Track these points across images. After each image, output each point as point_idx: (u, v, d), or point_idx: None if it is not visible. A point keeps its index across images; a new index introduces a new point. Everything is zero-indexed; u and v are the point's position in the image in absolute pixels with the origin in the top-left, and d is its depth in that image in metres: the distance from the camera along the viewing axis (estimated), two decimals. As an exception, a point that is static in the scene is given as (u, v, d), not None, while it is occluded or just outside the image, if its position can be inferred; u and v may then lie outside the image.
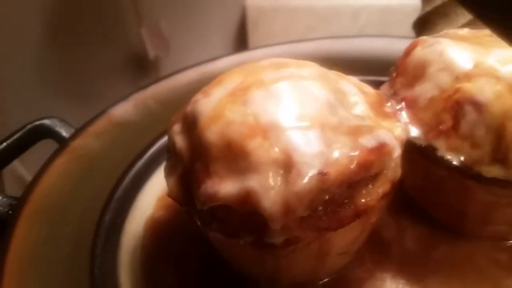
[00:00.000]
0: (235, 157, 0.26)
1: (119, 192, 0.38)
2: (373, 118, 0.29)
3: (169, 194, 0.30)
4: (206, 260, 0.34)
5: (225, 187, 0.26)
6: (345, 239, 0.29)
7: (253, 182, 0.26)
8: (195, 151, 0.28)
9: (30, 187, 0.36)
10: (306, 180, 0.25)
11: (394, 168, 0.28)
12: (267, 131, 0.26)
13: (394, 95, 0.32)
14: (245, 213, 0.26)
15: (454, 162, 0.29)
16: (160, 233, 0.36)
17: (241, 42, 0.98)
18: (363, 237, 0.31)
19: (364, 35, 0.54)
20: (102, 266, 0.32)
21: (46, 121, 0.44)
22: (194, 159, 0.28)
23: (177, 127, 0.31)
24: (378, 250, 0.33)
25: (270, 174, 0.25)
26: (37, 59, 0.90)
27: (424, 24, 0.51)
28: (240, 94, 0.29)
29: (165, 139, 0.42)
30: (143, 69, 0.97)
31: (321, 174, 0.25)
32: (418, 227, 0.34)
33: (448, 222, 0.34)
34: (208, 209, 0.27)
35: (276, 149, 0.26)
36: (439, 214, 0.34)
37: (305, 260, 0.30)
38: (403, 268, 0.32)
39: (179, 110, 0.34)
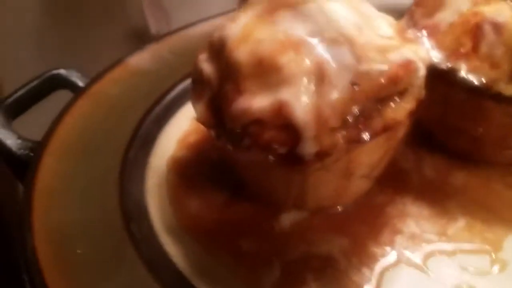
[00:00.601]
0: (267, 72, 0.27)
1: (141, 132, 0.38)
2: (398, 39, 0.30)
3: (199, 119, 0.31)
4: (230, 191, 0.35)
5: (258, 101, 0.27)
6: (370, 158, 0.30)
7: (286, 94, 0.26)
8: (223, 73, 0.29)
9: (53, 125, 0.36)
10: (338, 90, 0.26)
11: (419, 86, 0.29)
12: (298, 45, 0.27)
13: (415, 26, 0.33)
14: (277, 126, 0.27)
15: (475, 82, 0.30)
16: (183, 169, 0.37)
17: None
18: (385, 160, 0.32)
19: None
20: (131, 196, 0.33)
21: (63, 71, 0.44)
22: (223, 82, 0.29)
23: (203, 56, 0.32)
24: (397, 178, 0.34)
25: (303, 85, 0.26)
26: (36, 35, 0.90)
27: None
28: (267, 16, 0.30)
29: (181, 86, 0.43)
30: (143, 43, 0.97)
31: (353, 85, 0.26)
32: (435, 156, 0.35)
33: (465, 149, 0.35)
34: (240, 126, 0.28)
35: (308, 62, 0.27)
36: (457, 142, 0.35)
37: (331, 180, 0.31)
38: (423, 193, 0.33)
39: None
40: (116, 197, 0.32)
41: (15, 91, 0.41)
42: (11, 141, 0.38)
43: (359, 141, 0.27)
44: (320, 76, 0.26)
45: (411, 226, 0.31)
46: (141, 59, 0.44)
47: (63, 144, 0.35)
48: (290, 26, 0.28)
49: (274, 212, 0.33)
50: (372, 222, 0.32)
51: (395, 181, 0.34)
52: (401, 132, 0.29)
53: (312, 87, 0.26)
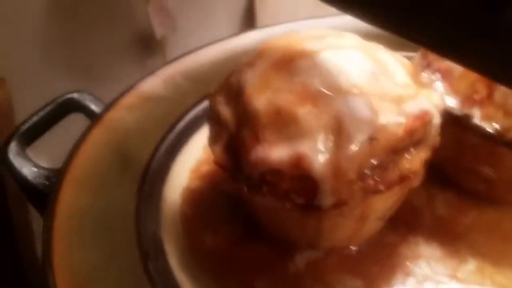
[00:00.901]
0: (285, 123, 0.28)
1: (155, 163, 0.39)
2: (413, 86, 0.30)
3: (216, 162, 0.31)
4: (245, 226, 0.35)
5: (276, 152, 0.27)
6: (386, 204, 0.31)
7: (304, 147, 0.27)
8: (241, 119, 0.30)
9: (70, 156, 0.37)
10: (356, 144, 0.27)
11: (434, 135, 0.29)
12: (315, 98, 0.28)
13: (428, 66, 0.33)
14: (295, 177, 0.27)
15: (489, 130, 0.31)
16: (197, 202, 0.37)
17: (248, 20, 0.98)
18: (400, 202, 0.32)
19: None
20: (148, 232, 0.33)
21: (75, 95, 0.45)
22: (241, 127, 0.30)
23: (220, 98, 0.32)
24: (409, 216, 0.35)
25: (321, 139, 0.27)
26: (41, 37, 0.90)
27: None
28: (285, 64, 0.30)
29: (193, 113, 0.44)
30: (149, 48, 0.97)
31: (371, 140, 0.27)
32: (447, 194, 0.36)
33: (476, 189, 0.35)
34: (258, 174, 0.28)
35: (326, 115, 0.27)
36: (469, 182, 0.35)
37: (346, 224, 0.31)
38: (435, 233, 0.34)
39: (217, 83, 0.35)
40: (133, 233, 0.33)
41: (29, 118, 0.42)
42: (27, 170, 0.39)
43: (375, 192, 0.28)
44: (338, 130, 0.27)
45: (423, 267, 0.32)
46: (153, 84, 0.45)
47: (79, 176, 0.36)
48: (307, 77, 0.28)
49: (288, 250, 0.33)
50: (385, 262, 0.32)
51: (407, 219, 0.35)
52: (416, 181, 0.29)
53: (330, 141, 0.27)
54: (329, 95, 0.28)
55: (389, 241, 0.33)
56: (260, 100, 0.29)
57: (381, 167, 0.28)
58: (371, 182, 0.27)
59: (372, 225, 0.33)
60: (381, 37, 0.48)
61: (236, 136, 0.30)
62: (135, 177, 0.37)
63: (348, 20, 0.53)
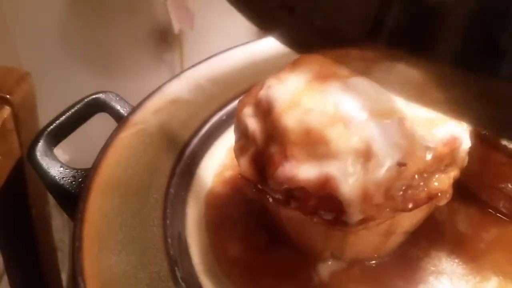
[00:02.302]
0: (314, 143, 0.28)
1: (180, 167, 0.39)
2: None
3: (242, 174, 0.32)
4: (269, 234, 0.36)
5: (304, 171, 0.28)
6: (412, 220, 0.31)
7: (332, 168, 0.27)
8: (269, 134, 0.30)
9: (98, 160, 0.37)
10: (385, 169, 0.27)
11: (463, 157, 0.30)
12: (347, 121, 0.28)
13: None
14: (321, 196, 0.28)
15: (517, 151, 0.31)
16: (221, 208, 0.38)
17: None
18: (425, 217, 0.33)
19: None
20: (174, 240, 0.34)
21: (102, 95, 0.45)
22: (269, 142, 0.30)
23: (248, 110, 0.32)
24: (432, 231, 0.35)
25: (350, 162, 0.27)
26: (60, 29, 0.91)
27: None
28: (317, 84, 0.30)
29: (217, 117, 0.44)
30: (166, 42, 0.97)
31: (400, 165, 0.27)
32: (469, 210, 0.36)
33: (499, 206, 0.35)
34: (285, 190, 0.29)
35: (356, 139, 0.27)
36: (492, 198, 0.36)
37: (371, 238, 0.32)
38: (457, 248, 0.34)
39: (241, 87, 0.35)
40: (160, 239, 0.33)
41: (56, 118, 0.42)
42: (54, 170, 0.39)
43: (404, 210, 0.28)
44: (368, 155, 0.27)
45: (445, 283, 0.32)
46: (178, 87, 0.45)
47: (107, 180, 0.36)
48: (340, 99, 0.29)
49: (311, 260, 0.34)
50: (408, 276, 0.33)
51: (429, 233, 0.35)
52: (445, 199, 0.30)
53: (359, 164, 0.27)
54: (360, 118, 0.28)
55: (412, 255, 0.34)
56: (290, 118, 0.29)
57: (410, 187, 0.28)
58: (399, 200, 0.28)
59: (396, 239, 0.33)
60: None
61: (264, 151, 0.30)
62: (162, 182, 0.37)
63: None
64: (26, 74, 0.57)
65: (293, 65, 0.32)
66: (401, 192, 0.28)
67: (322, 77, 0.30)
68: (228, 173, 0.41)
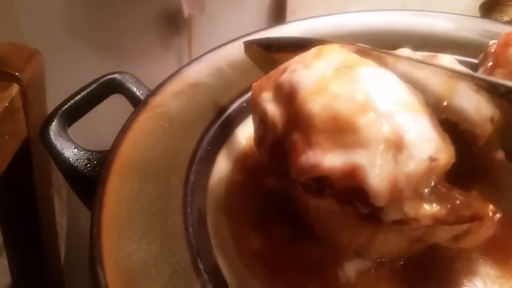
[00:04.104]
0: (342, 131, 0.26)
1: (200, 153, 0.38)
2: None
3: (262, 162, 0.30)
4: (292, 227, 0.34)
5: (329, 159, 0.26)
6: (448, 234, 0.29)
7: (361, 157, 0.26)
8: (291, 121, 0.28)
9: (117, 143, 0.36)
10: (417, 162, 0.25)
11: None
12: (377, 110, 0.26)
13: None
14: (345, 187, 0.26)
15: None
16: (242, 198, 0.37)
17: (278, 6, 0.96)
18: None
19: (427, 10, 0.53)
20: (195, 225, 0.32)
21: (118, 76, 0.43)
22: (291, 129, 0.28)
23: (267, 95, 0.31)
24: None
25: (380, 152, 0.26)
26: (67, 11, 0.89)
27: (493, 6, 0.50)
28: (345, 71, 0.29)
29: (237, 103, 0.43)
30: (175, 27, 0.95)
31: (432, 160, 0.25)
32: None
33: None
34: (306, 179, 0.27)
35: (387, 128, 0.26)
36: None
37: (400, 241, 0.30)
38: (490, 250, 0.33)
39: (261, 75, 0.33)
40: (181, 227, 0.32)
41: (71, 97, 0.40)
42: (68, 151, 0.38)
43: (444, 222, 0.27)
44: (399, 146, 0.25)
45: (479, 286, 0.31)
46: (197, 70, 0.43)
47: (126, 164, 0.35)
48: (370, 87, 0.27)
49: (337, 257, 0.32)
50: (440, 278, 0.31)
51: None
52: (489, 225, 0.28)
53: (389, 155, 0.25)
54: (392, 108, 0.26)
55: (445, 255, 0.32)
56: (317, 103, 0.27)
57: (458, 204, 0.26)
58: (442, 211, 0.26)
59: (424, 246, 0.31)
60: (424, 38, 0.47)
61: (285, 138, 0.28)
62: (181, 167, 0.36)
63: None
64: (36, 51, 0.55)
65: (317, 53, 0.31)
66: (429, 190, 0.26)
67: (351, 64, 0.29)
68: (249, 161, 0.39)
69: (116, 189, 0.33)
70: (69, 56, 0.87)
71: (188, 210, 0.33)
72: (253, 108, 0.32)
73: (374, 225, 0.28)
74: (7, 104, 0.50)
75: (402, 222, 0.27)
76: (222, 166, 0.38)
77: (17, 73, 0.51)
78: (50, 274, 0.68)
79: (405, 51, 0.33)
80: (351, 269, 0.32)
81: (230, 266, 0.32)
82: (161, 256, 0.30)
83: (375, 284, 0.31)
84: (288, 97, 0.29)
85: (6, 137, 0.51)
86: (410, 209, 0.26)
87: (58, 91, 0.58)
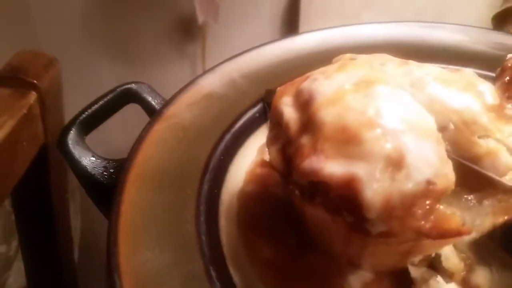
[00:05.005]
0: (347, 141, 0.27)
1: (213, 163, 0.38)
2: (492, 124, 0.29)
3: (271, 163, 0.31)
4: (299, 236, 0.35)
5: (331, 166, 0.27)
6: (437, 248, 0.30)
7: (360, 170, 0.26)
8: (304, 126, 0.29)
9: (133, 153, 0.37)
10: (413, 183, 0.26)
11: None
12: (386, 127, 0.27)
13: (509, 99, 0.32)
14: (340, 195, 0.27)
15: None
16: (253, 207, 0.37)
17: (291, 14, 0.97)
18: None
19: (442, 22, 0.54)
20: (207, 234, 0.33)
21: (134, 86, 0.44)
22: (302, 133, 0.29)
23: (287, 99, 0.32)
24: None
25: (379, 167, 0.26)
26: (82, 19, 0.90)
27: (506, 18, 0.51)
28: (363, 86, 0.29)
29: (249, 114, 0.44)
30: (189, 34, 0.97)
31: (429, 183, 0.26)
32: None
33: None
34: (308, 183, 0.28)
35: (391, 146, 0.27)
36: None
37: (390, 255, 0.31)
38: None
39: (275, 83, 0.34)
40: (194, 235, 0.33)
41: (88, 106, 0.42)
42: (86, 160, 0.39)
43: (428, 236, 0.27)
44: (399, 164, 0.26)
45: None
46: (212, 81, 0.44)
47: (142, 173, 0.36)
48: (383, 104, 0.28)
49: (341, 268, 0.33)
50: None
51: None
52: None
53: (388, 172, 0.26)
54: (400, 128, 0.27)
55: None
56: (329, 112, 0.28)
57: (436, 212, 0.27)
58: (425, 225, 0.27)
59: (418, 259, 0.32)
60: (437, 50, 0.48)
61: (295, 141, 0.29)
62: (194, 177, 0.37)
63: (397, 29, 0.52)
64: (54, 59, 0.57)
65: (340, 66, 0.31)
66: (423, 211, 0.27)
67: (370, 80, 0.30)
68: (259, 170, 0.40)
69: (132, 198, 0.34)
70: (84, 64, 0.89)
71: (201, 219, 0.34)
72: (272, 108, 0.33)
73: (361, 236, 0.29)
74: (25, 111, 0.51)
75: (388, 235, 0.27)
76: (234, 176, 0.39)
77: (35, 81, 0.53)
78: (64, 277, 0.70)
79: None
80: (355, 281, 0.32)
81: (242, 275, 0.33)
82: (174, 264, 0.31)
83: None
84: (305, 103, 0.30)
85: (24, 143, 0.53)
86: (395, 222, 0.27)
87: (73, 98, 0.60)
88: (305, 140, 0.29)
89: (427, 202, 0.27)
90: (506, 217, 0.30)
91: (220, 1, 0.92)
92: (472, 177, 0.31)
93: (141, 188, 0.35)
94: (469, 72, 0.33)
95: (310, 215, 0.32)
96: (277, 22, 0.98)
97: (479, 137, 0.31)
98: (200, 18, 0.93)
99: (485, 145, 0.31)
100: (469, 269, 0.31)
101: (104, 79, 0.89)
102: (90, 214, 0.93)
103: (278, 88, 0.34)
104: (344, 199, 0.27)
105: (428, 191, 0.26)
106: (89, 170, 0.38)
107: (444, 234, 0.27)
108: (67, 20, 0.88)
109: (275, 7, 0.97)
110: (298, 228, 0.35)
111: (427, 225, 0.27)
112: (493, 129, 0.31)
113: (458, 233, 0.27)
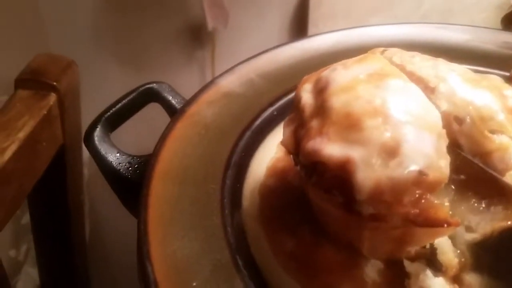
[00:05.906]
0: (350, 127, 0.29)
1: (235, 159, 0.40)
2: (508, 123, 0.31)
3: (283, 141, 0.33)
4: (318, 225, 0.36)
5: (330, 148, 0.28)
6: (430, 238, 0.31)
7: (356, 153, 0.28)
8: (316, 110, 0.31)
9: (158, 149, 0.38)
10: (405, 171, 0.27)
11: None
12: (387, 117, 0.28)
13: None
14: (335, 176, 0.28)
15: None
16: (274, 200, 0.38)
17: (300, 20, 0.99)
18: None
19: (449, 23, 0.55)
20: (232, 226, 0.34)
21: (155, 85, 0.46)
22: (313, 117, 0.31)
23: (308, 86, 0.33)
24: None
25: (374, 153, 0.27)
26: (92, 24, 0.91)
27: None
28: (377, 78, 0.31)
29: (267, 112, 0.45)
30: (199, 40, 0.98)
31: (421, 174, 0.27)
32: None
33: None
34: (311, 164, 0.29)
35: (389, 134, 0.28)
36: None
37: (385, 240, 0.31)
38: None
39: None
40: (220, 226, 0.34)
41: (113, 104, 0.43)
42: (111, 156, 0.40)
43: (414, 223, 0.28)
44: (394, 153, 0.27)
45: None
46: (231, 81, 0.46)
47: (166, 169, 0.37)
48: (390, 96, 0.29)
49: (358, 258, 0.33)
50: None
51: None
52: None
53: (382, 159, 0.27)
54: (402, 119, 0.28)
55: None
56: (339, 99, 0.30)
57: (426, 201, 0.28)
58: (412, 212, 0.27)
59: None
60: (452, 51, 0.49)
61: (306, 123, 0.31)
62: (217, 172, 0.38)
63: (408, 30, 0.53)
64: (72, 62, 0.58)
65: (360, 58, 0.33)
66: (411, 199, 0.27)
67: (384, 73, 0.31)
68: (280, 165, 0.41)
69: (159, 192, 0.35)
70: (96, 69, 0.90)
71: (226, 211, 0.35)
72: (295, 94, 0.34)
73: (355, 218, 0.29)
74: (45, 112, 0.53)
75: (377, 218, 0.28)
76: (255, 171, 0.40)
77: (54, 83, 0.54)
78: (76, 277, 0.70)
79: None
80: (370, 270, 0.33)
81: (266, 264, 0.34)
82: (202, 253, 0.32)
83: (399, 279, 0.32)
84: (321, 90, 0.32)
85: (44, 143, 0.54)
86: (383, 206, 0.28)
87: (87, 100, 0.61)
88: (314, 123, 0.30)
89: (417, 191, 0.27)
90: (508, 222, 0.31)
91: (230, 7, 0.93)
92: (485, 184, 0.31)
93: (166, 183, 0.36)
94: (495, 77, 0.34)
95: (312, 199, 0.33)
96: (286, 28, 0.99)
97: (493, 132, 0.31)
98: (210, 24, 0.94)
99: (497, 140, 0.31)
100: (463, 267, 0.31)
101: (115, 84, 0.90)
102: (98, 219, 0.94)
103: (305, 76, 0.35)
104: (337, 179, 0.28)
105: (419, 181, 0.27)
106: (114, 165, 0.39)
107: (430, 222, 0.28)
108: (80, 27, 0.89)
109: (284, 14, 0.99)
110: (316, 220, 0.36)
111: (413, 212, 0.28)
112: (509, 127, 0.31)
113: (445, 223, 0.28)
